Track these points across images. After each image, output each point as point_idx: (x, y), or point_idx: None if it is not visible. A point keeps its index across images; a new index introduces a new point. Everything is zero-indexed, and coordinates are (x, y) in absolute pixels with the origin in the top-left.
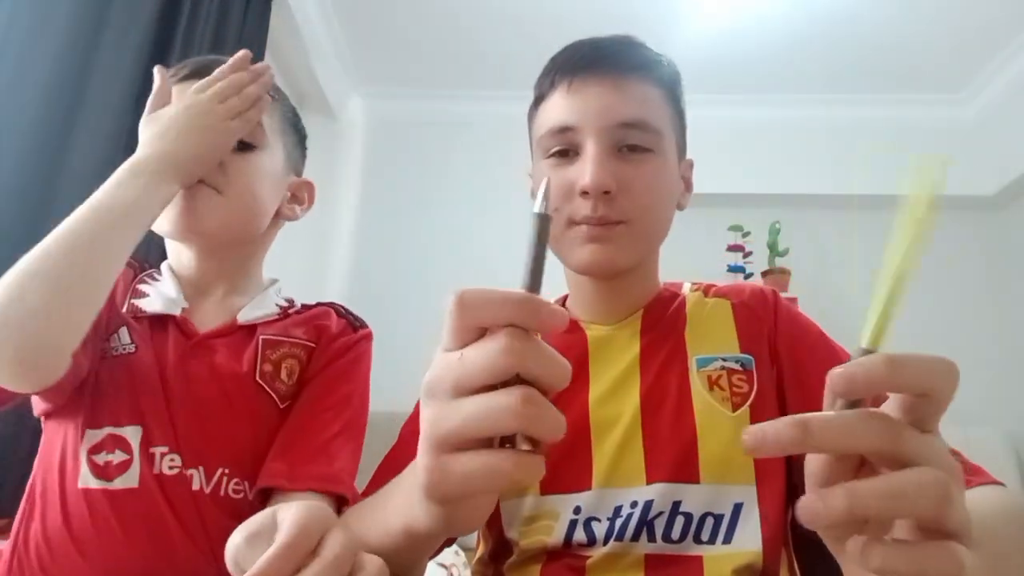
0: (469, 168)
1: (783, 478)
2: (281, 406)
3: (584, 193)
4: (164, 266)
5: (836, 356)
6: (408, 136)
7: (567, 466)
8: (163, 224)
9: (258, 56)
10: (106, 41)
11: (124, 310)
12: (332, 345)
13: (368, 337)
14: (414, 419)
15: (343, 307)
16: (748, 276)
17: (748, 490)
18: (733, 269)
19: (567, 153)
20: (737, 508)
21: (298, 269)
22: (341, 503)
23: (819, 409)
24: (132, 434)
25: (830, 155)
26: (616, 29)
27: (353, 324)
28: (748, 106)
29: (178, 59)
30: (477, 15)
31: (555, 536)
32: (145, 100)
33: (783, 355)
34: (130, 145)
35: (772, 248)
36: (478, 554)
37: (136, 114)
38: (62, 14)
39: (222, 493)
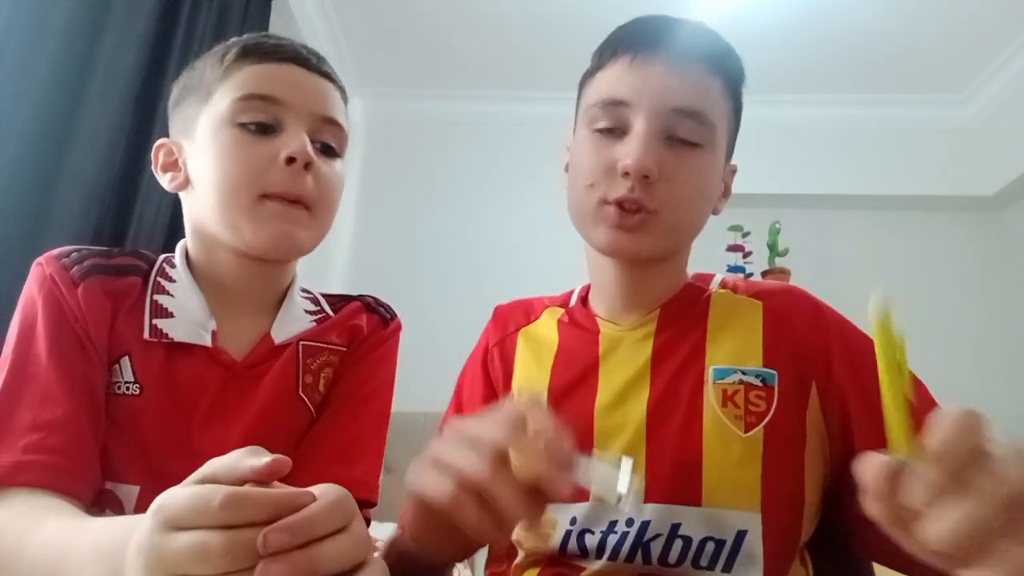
0: (469, 168)
1: (799, 509)
2: (315, 416)
3: (625, 173)
4: (179, 261)
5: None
6: (408, 136)
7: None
8: (252, 244)
9: None
10: (106, 41)
11: (145, 332)
12: (362, 347)
13: (397, 328)
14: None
15: (372, 299)
16: (748, 276)
17: (752, 517)
18: (733, 269)
19: (613, 131)
20: (740, 535)
21: (298, 268)
22: (363, 508)
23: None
24: (126, 494)
25: (830, 155)
26: (614, 29)
27: (384, 318)
28: (748, 106)
29: (177, 60)
30: (477, 15)
31: (551, 544)
32: (145, 100)
33: (840, 378)
34: (129, 146)
35: (772, 248)
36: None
37: (137, 114)
38: (62, 14)
39: None
